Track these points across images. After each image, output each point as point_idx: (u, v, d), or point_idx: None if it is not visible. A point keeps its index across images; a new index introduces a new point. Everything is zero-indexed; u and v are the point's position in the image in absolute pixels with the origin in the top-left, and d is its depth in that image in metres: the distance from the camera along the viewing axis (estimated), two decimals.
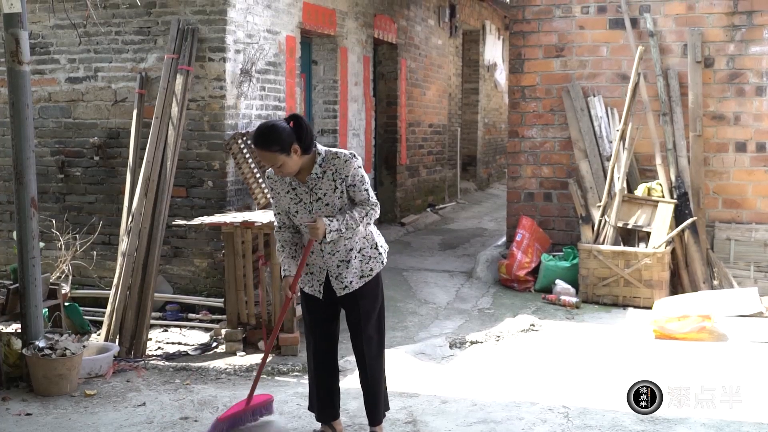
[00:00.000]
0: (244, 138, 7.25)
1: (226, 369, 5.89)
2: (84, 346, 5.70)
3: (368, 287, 4.27)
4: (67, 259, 7.07)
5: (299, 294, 4.44)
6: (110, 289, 6.72)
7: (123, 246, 6.72)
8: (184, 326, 7.06)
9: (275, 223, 4.35)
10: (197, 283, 7.47)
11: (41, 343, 5.40)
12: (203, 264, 7.44)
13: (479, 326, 6.99)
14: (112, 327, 6.44)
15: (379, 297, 4.37)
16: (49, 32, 7.74)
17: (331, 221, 4.04)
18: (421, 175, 12.85)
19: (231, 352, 6.35)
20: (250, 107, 7.68)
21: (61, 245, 7.15)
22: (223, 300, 6.78)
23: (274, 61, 8.07)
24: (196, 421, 4.87)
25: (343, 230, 4.07)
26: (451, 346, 6.29)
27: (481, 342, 6.42)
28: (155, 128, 6.98)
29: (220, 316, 6.99)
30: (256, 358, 6.14)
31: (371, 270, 4.25)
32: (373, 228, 4.33)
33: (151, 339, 6.69)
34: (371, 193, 4.18)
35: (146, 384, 5.58)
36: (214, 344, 6.62)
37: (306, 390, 4.71)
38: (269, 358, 6.16)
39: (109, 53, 7.58)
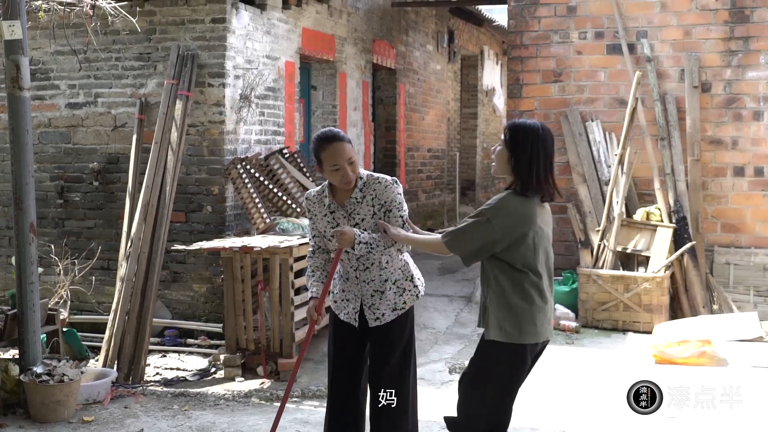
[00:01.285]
0: (243, 163, 7.27)
1: (224, 395, 5.87)
2: (82, 372, 5.69)
3: (399, 320, 4.06)
4: (66, 284, 7.05)
5: (325, 316, 4.29)
6: (109, 315, 6.70)
7: (122, 271, 6.71)
8: (183, 351, 7.04)
9: (309, 247, 4.22)
10: (196, 308, 7.45)
11: (39, 369, 5.38)
12: (202, 289, 7.43)
13: None
14: (110, 352, 6.41)
15: (407, 330, 4.12)
16: (49, 58, 7.78)
17: (362, 232, 3.93)
18: (420, 200, 12.86)
19: (230, 378, 6.32)
20: (249, 132, 7.70)
21: (59, 270, 7.14)
22: (221, 325, 6.76)
23: (274, 87, 8.11)
24: None
25: (373, 245, 3.92)
26: (450, 372, 6.27)
27: None
28: (155, 153, 6.99)
29: (218, 342, 6.97)
30: (254, 384, 6.12)
31: (404, 303, 4.07)
32: (409, 259, 4.18)
33: (149, 364, 6.66)
34: (407, 219, 4.05)
35: (144, 410, 5.56)
36: (213, 370, 6.59)
37: (305, 416, 4.69)
38: (267, 384, 6.14)
39: (109, 79, 7.62)
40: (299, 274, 6.68)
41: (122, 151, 7.56)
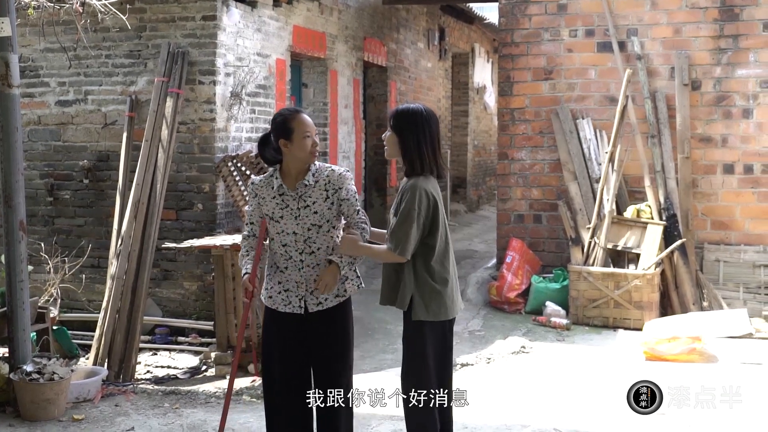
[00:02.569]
0: (234, 160, 7.26)
1: (215, 393, 5.86)
2: (72, 371, 5.66)
3: (341, 307, 4.10)
4: (56, 282, 7.03)
5: (259, 296, 4.26)
6: (99, 313, 6.69)
7: (112, 269, 6.70)
8: (174, 349, 7.02)
9: (244, 231, 4.20)
10: (187, 306, 7.44)
11: (29, 368, 5.36)
12: (193, 287, 7.41)
13: (470, 348, 6.98)
14: (100, 351, 6.39)
15: (348, 319, 4.16)
16: (39, 56, 7.75)
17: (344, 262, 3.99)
18: None
19: (221, 376, 6.31)
20: (240, 130, 7.69)
21: (49, 268, 7.11)
22: (212, 323, 6.75)
23: (265, 84, 8.10)
24: None
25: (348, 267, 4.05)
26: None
27: (472, 364, 6.41)
28: (145, 151, 6.98)
29: (209, 339, 6.96)
30: (245, 382, 6.11)
31: (345, 291, 4.11)
32: None
33: (140, 363, 6.65)
34: (363, 212, 4.11)
35: (135, 408, 5.54)
36: (204, 368, 6.58)
37: None
38: (258, 381, 6.13)
39: (99, 76, 7.59)
40: None
41: (112, 149, 7.54)
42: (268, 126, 8.13)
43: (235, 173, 7.17)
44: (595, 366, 6.39)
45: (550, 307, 7.81)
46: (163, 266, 7.44)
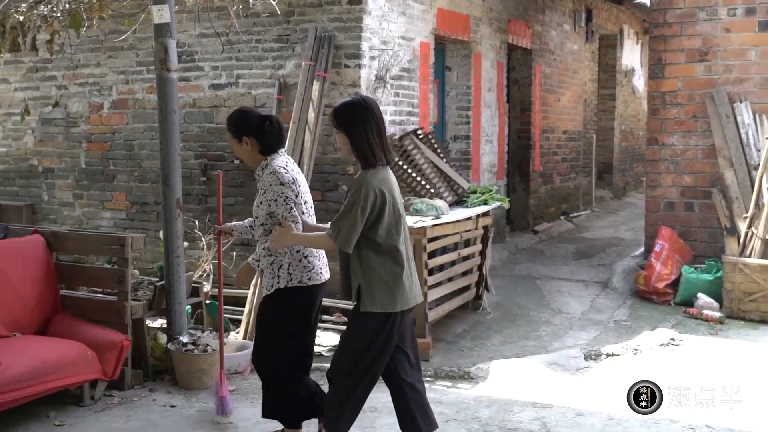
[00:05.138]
0: None
1: None
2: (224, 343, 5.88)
3: (265, 301, 4.44)
4: (209, 258, 7.32)
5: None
6: (248, 289, 6.91)
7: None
8: (318, 327, 7.15)
9: None
10: (331, 285, 7.54)
11: (185, 339, 5.62)
12: (337, 267, 7.52)
13: (615, 338, 6.79)
14: (250, 326, 6.61)
15: (271, 315, 4.43)
16: (194, 41, 8.06)
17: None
18: (554, 183, 12.62)
19: None
20: (384, 113, 7.71)
21: (203, 245, 7.42)
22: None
23: (408, 68, 8.12)
24: None
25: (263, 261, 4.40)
26: (585, 358, 6.13)
27: (618, 355, 6.23)
28: (292, 133, 7.14)
29: None
30: None
31: (272, 287, 4.37)
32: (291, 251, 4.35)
33: None
34: (295, 214, 4.24)
35: None
36: None
37: (438, 396, 4.67)
38: None
39: (250, 60, 7.82)
40: (432, 254, 6.69)
41: None
42: (411, 109, 8.19)
43: None
44: (751, 363, 6.06)
45: (702, 299, 7.48)
46: None
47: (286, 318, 4.35)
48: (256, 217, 4.38)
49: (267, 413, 4.50)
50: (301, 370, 4.43)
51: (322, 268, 4.45)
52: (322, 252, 4.48)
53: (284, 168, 4.33)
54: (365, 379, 3.95)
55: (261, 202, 4.35)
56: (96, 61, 8.55)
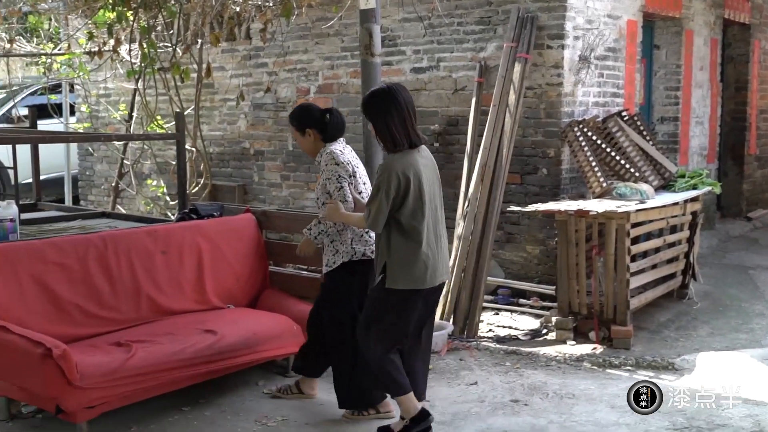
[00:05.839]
0: (581, 126, 7.14)
1: (555, 356, 5.87)
2: None
3: (327, 276, 4.75)
4: None
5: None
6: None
7: (459, 230, 6.95)
8: (515, 311, 7.14)
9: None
10: (528, 269, 7.51)
11: None
12: (535, 251, 7.46)
13: None
14: (446, 307, 6.69)
15: (334, 289, 4.73)
16: (397, 26, 8.20)
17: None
18: None
19: (561, 341, 6.30)
20: (587, 94, 7.54)
21: None
22: (554, 288, 6.75)
23: (614, 47, 7.84)
24: (526, 405, 4.91)
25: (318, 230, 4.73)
26: None
27: None
28: (492, 116, 7.11)
29: (550, 304, 6.97)
30: (586, 349, 6.05)
31: (335, 262, 4.67)
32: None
33: (482, 321, 6.84)
34: (344, 193, 4.57)
35: (478, 364, 5.74)
36: (544, 331, 6.61)
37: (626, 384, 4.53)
38: (600, 350, 6.03)
39: (451, 43, 7.86)
40: (636, 240, 6.46)
41: (461, 114, 7.78)
42: (616, 90, 7.92)
43: (581, 138, 7.06)
44: None
45: None
46: (506, 229, 7.57)
47: (350, 289, 4.65)
48: (317, 198, 4.75)
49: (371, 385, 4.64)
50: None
51: None
52: None
53: (340, 150, 4.69)
54: (382, 343, 4.24)
55: (321, 183, 4.69)
56: (304, 47, 8.91)
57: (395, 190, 4.13)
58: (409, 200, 4.15)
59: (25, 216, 6.26)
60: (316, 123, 4.76)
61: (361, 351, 4.36)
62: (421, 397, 4.47)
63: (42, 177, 7.53)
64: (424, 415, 4.31)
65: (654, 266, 6.94)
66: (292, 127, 4.89)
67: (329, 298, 4.78)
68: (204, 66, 8.36)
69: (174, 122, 7.08)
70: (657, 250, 7.03)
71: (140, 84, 8.97)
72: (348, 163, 4.67)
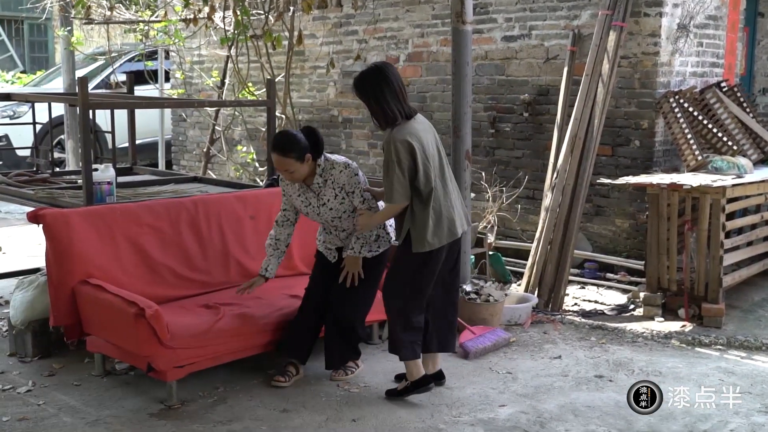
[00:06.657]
0: (677, 97, 6.92)
1: (643, 333, 5.77)
2: (506, 295, 5.97)
3: (368, 262, 4.78)
4: (494, 210, 7.42)
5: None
6: (532, 242, 6.92)
7: (546, 201, 6.85)
8: (601, 285, 7.03)
9: (278, 218, 4.86)
10: (617, 243, 7.37)
11: (468, 287, 5.76)
12: (624, 224, 7.30)
13: None
14: (531, 279, 6.63)
15: (374, 272, 4.81)
16: None
17: (355, 245, 4.71)
18: None
19: (648, 317, 6.18)
20: (684, 64, 7.29)
21: (488, 197, 7.52)
22: (643, 263, 6.61)
23: (715, 15, 7.54)
24: (611, 381, 4.85)
25: (362, 242, 4.72)
26: None
27: None
28: (584, 86, 6.96)
29: (638, 279, 6.84)
30: (675, 326, 5.93)
31: (379, 247, 4.78)
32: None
33: (568, 294, 6.76)
34: (366, 196, 4.64)
35: (562, 338, 5.69)
36: (632, 307, 6.49)
37: (730, 365, 4.41)
38: (689, 327, 5.90)
39: (544, 11, 7.70)
40: (731, 216, 6.26)
41: (552, 83, 7.64)
42: (715, 60, 7.64)
43: (676, 110, 6.84)
44: None
45: None
46: (595, 202, 7.43)
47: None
48: (338, 217, 4.69)
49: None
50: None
51: None
52: None
53: (345, 159, 4.71)
54: (412, 302, 4.45)
55: (341, 197, 4.64)
56: (394, 15, 8.87)
57: (405, 159, 4.27)
58: (420, 166, 4.29)
59: (121, 179, 6.46)
60: (311, 145, 4.57)
61: (387, 312, 4.58)
62: (446, 348, 4.74)
63: (137, 142, 7.74)
64: (425, 381, 4.54)
65: (749, 243, 6.72)
66: (290, 161, 4.51)
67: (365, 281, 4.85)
68: (295, 33, 8.43)
69: (265, 89, 7.17)
70: (753, 226, 6.80)
71: (233, 51, 9.11)
72: (351, 162, 4.71)
